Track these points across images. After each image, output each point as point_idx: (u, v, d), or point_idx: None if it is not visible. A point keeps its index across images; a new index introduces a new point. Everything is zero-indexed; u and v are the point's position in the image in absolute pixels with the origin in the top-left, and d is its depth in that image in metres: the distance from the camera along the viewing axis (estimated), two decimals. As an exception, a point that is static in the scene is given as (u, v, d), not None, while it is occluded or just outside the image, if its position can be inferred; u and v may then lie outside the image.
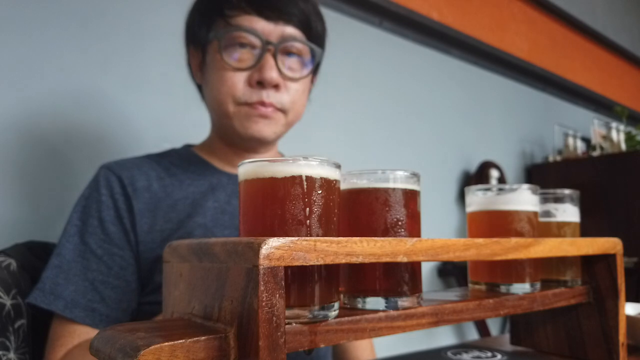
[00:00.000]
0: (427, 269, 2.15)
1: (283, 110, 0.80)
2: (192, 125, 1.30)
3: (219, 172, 0.86)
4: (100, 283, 0.74)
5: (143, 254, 0.77)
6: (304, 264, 0.34)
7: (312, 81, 0.90)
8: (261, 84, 0.77)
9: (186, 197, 0.81)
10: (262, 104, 0.78)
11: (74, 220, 0.78)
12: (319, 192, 0.38)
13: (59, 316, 0.73)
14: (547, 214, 0.66)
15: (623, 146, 2.65)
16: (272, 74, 0.77)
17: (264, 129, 0.79)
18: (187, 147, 0.91)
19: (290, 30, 0.79)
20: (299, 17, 0.80)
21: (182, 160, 0.87)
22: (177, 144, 0.94)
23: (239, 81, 0.78)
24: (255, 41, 0.77)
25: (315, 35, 0.84)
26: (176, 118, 1.33)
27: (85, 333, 0.72)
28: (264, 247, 0.32)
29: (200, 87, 0.89)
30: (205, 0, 0.83)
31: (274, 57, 0.78)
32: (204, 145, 0.90)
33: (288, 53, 0.81)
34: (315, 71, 0.89)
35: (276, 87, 0.78)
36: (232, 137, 0.83)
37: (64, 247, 0.75)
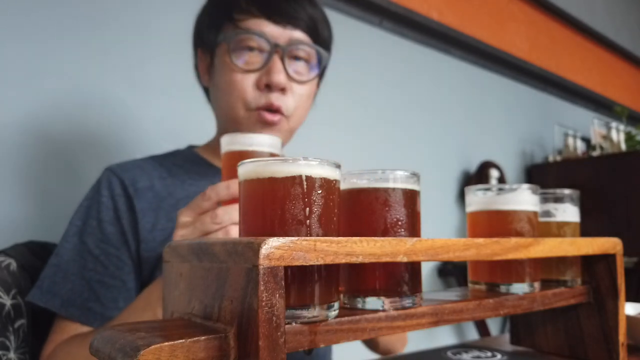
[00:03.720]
0: (427, 269, 2.15)
1: (287, 116, 0.81)
2: (196, 126, 1.30)
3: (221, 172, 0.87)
4: (96, 282, 0.74)
5: (145, 253, 0.78)
6: (304, 264, 0.34)
7: (317, 85, 0.90)
8: (269, 87, 0.78)
9: (188, 197, 0.81)
10: (270, 106, 0.78)
11: (75, 220, 0.79)
12: (319, 192, 0.38)
13: (57, 314, 0.74)
14: (547, 214, 0.66)
15: (623, 146, 2.65)
16: (279, 77, 0.78)
17: None
18: (190, 148, 0.92)
19: (298, 34, 0.80)
20: (306, 22, 0.81)
21: (185, 161, 0.88)
22: (181, 144, 0.94)
23: (247, 84, 0.78)
24: (264, 44, 0.78)
25: (322, 40, 0.85)
26: (179, 119, 1.33)
27: (74, 330, 0.73)
28: (264, 247, 0.32)
29: (207, 90, 0.90)
30: (214, 4, 0.84)
31: (282, 60, 0.78)
32: (207, 146, 0.91)
33: (295, 57, 0.81)
34: (321, 75, 0.90)
35: (283, 90, 0.79)
36: None
37: (62, 246, 0.77)
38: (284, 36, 0.79)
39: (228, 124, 0.83)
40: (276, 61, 0.78)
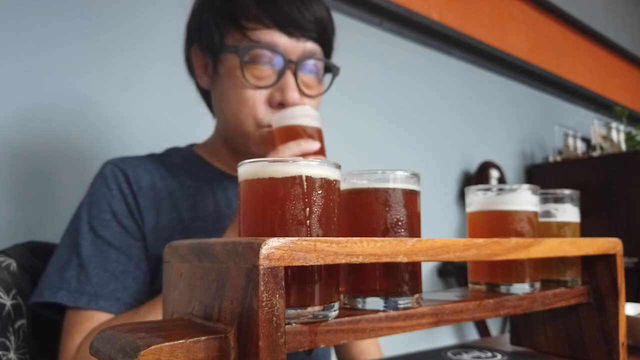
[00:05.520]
0: (427, 269, 2.15)
1: None
2: (191, 126, 1.29)
3: (221, 174, 0.86)
4: (121, 273, 0.74)
5: (148, 252, 0.77)
6: (304, 264, 0.34)
7: None
8: (282, 105, 0.76)
9: (187, 198, 0.81)
10: None
11: (84, 217, 0.76)
12: (319, 192, 0.38)
13: (73, 307, 0.72)
14: (547, 214, 0.66)
15: (623, 146, 2.65)
16: (294, 95, 0.76)
17: None
18: (190, 147, 0.91)
19: (310, 45, 0.78)
20: (317, 32, 0.79)
21: (184, 161, 0.86)
22: (176, 145, 0.93)
23: (259, 101, 0.76)
24: (277, 59, 0.76)
25: (330, 45, 0.85)
26: (174, 119, 1.33)
27: (104, 317, 0.72)
28: (264, 247, 0.32)
29: (202, 89, 0.88)
30: (216, 4, 0.79)
31: (295, 75, 0.77)
32: (206, 146, 0.90)
33: (307, 69, 0.79)
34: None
35: None
36: (242, 149, 0.82)
37: (80, 245, 0.74)
38: (297, 50, 0.77)
39: (236, 137, 0.81)
40: (289, 78, 0.76)
